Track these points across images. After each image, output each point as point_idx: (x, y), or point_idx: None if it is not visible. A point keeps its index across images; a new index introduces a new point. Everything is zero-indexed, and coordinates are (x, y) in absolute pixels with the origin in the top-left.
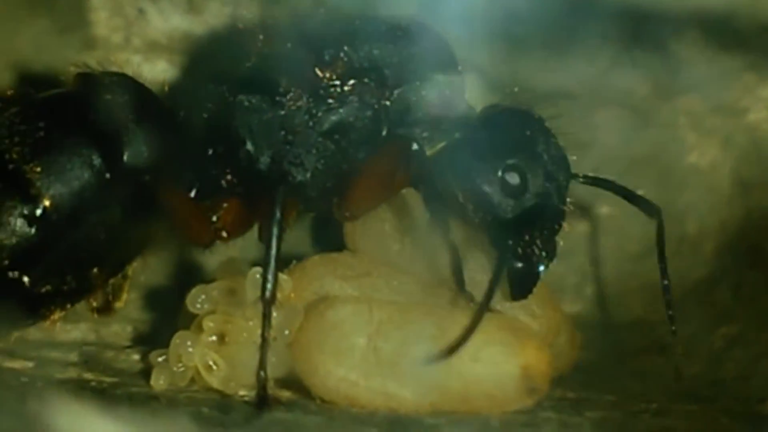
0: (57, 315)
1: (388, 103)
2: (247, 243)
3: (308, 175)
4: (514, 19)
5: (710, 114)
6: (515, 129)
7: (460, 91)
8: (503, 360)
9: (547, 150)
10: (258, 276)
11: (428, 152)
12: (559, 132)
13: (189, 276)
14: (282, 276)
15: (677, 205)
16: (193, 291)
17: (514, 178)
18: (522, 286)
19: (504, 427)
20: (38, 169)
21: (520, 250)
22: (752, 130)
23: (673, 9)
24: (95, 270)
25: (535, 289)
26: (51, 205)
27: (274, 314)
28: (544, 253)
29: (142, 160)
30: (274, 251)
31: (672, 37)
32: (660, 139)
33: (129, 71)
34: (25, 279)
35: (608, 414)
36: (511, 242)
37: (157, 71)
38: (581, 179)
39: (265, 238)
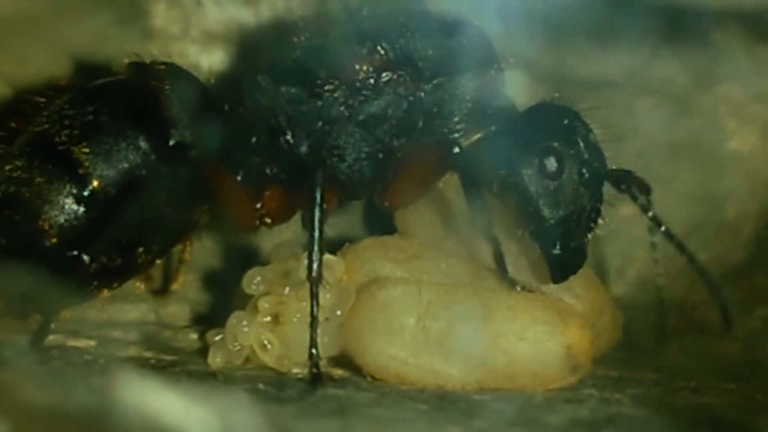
0: (105, 293)
1: (423, 95)
2: (301, 227)
3: (346, 163)
4: (559, 11)
5: (750, 102)
6: (552, 121)
7: (499, 86)
8: (547, 339)
9: (584, 141)
10: None
11: (464, 143)
12: (600, 121)
13: (244, 258)
14: (334, 258)
15: (717, 191)
16: (249, 273)
17: (551, 164)
18: (561, 272)
19: (547, 403)
20: (86, 151)
21: (556, 236)
22: None
23: (708, 5)
24: (141, 250)
25: (579, 272)
26: (99, 185)
27: (327, 295)
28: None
29: (188, 145)
30: (316, 233)
31: (712, 27)
32: (700, 126)
33: (186, 61)
34: (73, 257)
35: (648, 391)
36: (547, 228)
37: (213, 61)
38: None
39: (307, 220)
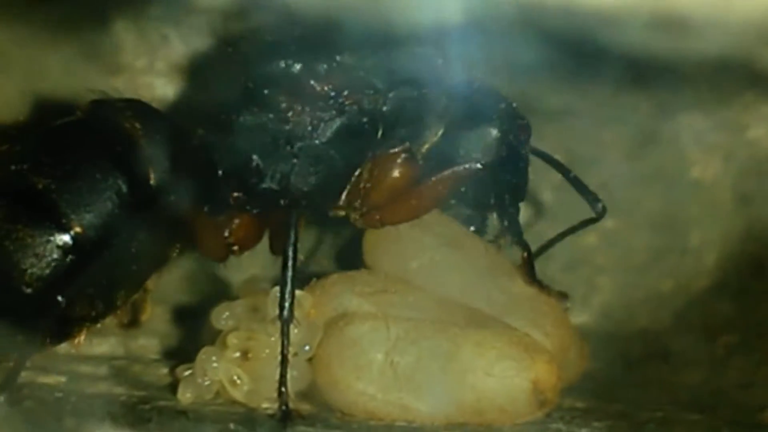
0: (84, 334)
1: (383, 107)
2: (269, 261)
3: (312, 185)
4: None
5: (712, 130)
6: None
7: (441, 83)
8: (515, 374)
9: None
10: (278, 295)
11: (425, 147)
12: (567, 148)
13: (213, 292)
14: (302, 293)
15: (681, 218)
16: (218, 308)
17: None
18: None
19: None
20: (67, 199)
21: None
22: (752, 145)
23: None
24: (122, 291)
25: (549, 309)
26: (82, 232)
27: (295, 331)
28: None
29: (165, 183)
30: (290, 273)
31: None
32: (664, 154)
33: (153, 94)
34: (58, 304)
35: (615, 423)
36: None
37: (179, 93)
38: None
39: (282, 261)
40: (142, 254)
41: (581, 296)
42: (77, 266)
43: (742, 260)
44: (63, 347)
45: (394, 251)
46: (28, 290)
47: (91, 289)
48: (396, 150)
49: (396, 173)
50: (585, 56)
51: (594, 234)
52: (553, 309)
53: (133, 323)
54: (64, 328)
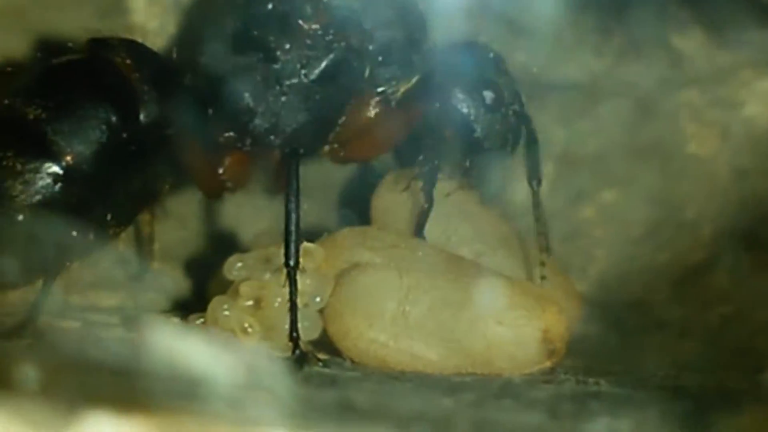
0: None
1: (370, 47)
2: (279, 216)
3: (302, 123)
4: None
5: (709, 107)
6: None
7: (424, 30)
8: (525, 323)
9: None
10: None
11: (403, 88)
12: (567, 121)
13: (220, 250)
14: (314, 246)
15: (677, 192)
16: (230, 259)
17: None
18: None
19: (527, 383)
20: (57, 129)
21: None
22: (748, 122)
23: None
24: (112, 222)
25: (560, 277)
26: (71, 162)
27: (307, 281)
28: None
29: (155, 119)
30: (293, 220)
31: (674, 34)
32: (662, 129)
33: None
34: (50, 232)
35: (620, 378)
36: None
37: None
38: None
39: (285, 210)
40: (131, 187)
41: (578, 267)
42: (67, 195)
43: (736, 234)
44: (74, 298)
45: (405, 217)
46: (20, 217)
47: (82, 218)
48: (371, 93)
49: (370, 115)
50: None
51: (591, 207)
52: (558, 275)
53: (141, 274)
54: (58, 258)
